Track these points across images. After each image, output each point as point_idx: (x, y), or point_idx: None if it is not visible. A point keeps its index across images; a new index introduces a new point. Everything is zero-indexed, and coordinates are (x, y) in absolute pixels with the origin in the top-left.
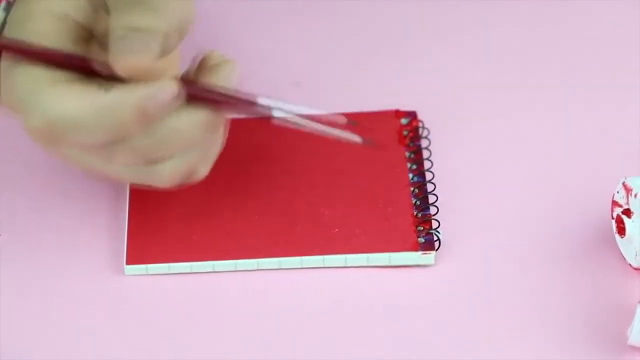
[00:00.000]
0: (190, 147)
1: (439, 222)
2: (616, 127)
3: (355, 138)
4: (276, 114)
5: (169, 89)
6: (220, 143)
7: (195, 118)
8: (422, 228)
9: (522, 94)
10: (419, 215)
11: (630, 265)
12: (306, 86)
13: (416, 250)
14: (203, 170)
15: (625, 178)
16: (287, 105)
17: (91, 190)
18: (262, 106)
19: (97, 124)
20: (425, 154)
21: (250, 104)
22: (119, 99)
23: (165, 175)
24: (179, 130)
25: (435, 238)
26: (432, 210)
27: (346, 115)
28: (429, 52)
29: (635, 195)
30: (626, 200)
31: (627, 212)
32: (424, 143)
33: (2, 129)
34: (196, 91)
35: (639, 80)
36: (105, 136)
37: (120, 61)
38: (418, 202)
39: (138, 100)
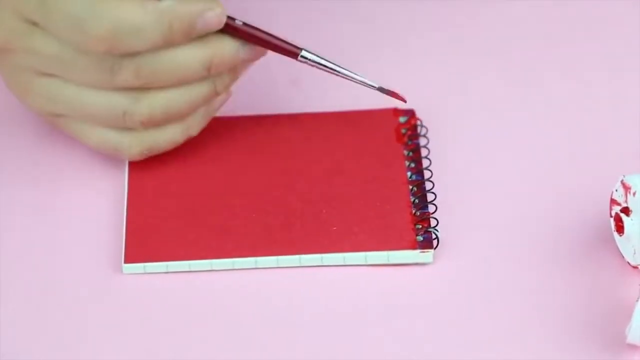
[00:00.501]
0: (185, 81)
1: (437, 221)
2: (615, 126)
3: (372, 83)
4: (304, 54)
5: (218, 11)
6: (204, 113)
7: (206, 52)
8: (420, 226)
9: (520, 93)
10: (418, 213)
11: (628, 263)
12: (304, 84)
13: (414, 248)
14: (180, 130)
15: (624, 176)
16: (322, 60)
17: (90, 188)
18: (292, 47)
19: (154, 28)
20: (423, 152)
21: (285, 48)
22: (173, 7)
23: (145, 106)
24: (187, 60)
25: (434, 236)
26: (431, 208)
27: (345, 113)
28: (428, 51)
29: (634, 194)
30: (625, 199)
31: (626, 211)
32: (422, 141)
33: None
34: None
35: (638, 80)
36: (157, 42)
37: None
38: (416, 201)
39: (189, 14)
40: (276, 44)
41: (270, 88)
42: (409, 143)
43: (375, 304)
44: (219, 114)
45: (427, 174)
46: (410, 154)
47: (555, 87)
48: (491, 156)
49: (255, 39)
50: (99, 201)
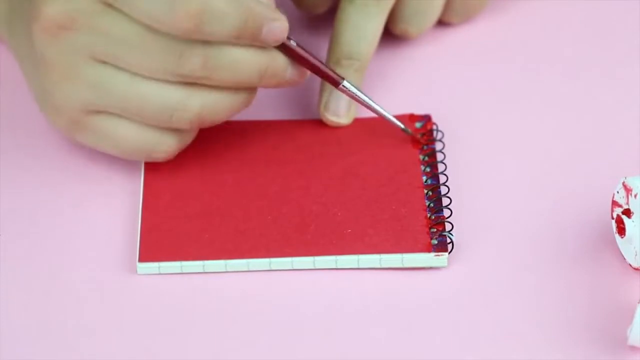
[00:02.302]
0: (238, 84)
1: (452, 225)
2: (617, 128)
3: (399, 124)
4: (345, 84)
5: (284, 24)
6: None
7: (265, 59)
8: (435, 230)
9: (533, 97)
10: (433, 217)
11: (630, 265)
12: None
13: (429, 251)
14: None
15: (625, 178)
16: (359, 92)
17: (105, 188)
18: (335, 75)
19: (234, 18)
20: (439, 156)
21: (329, 75)
22: (251, 5)
23: (197, 102)
24: (248, 62)
25: (449, 240)
26: (446, 212)
27: (362, 119)
28: (444, 56)
29: (635, 196)
30: (626, 201)
31: (627, 212)
32: (438, 146)
33: (16, 126)
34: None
35: (639, 80)
36: (231, 33)
37: None
38: (432, 204)
39: (262, 16)
40: (322, 69)
41: (289, 93)
42: (425, 148)
43: (389, 307)
44: (236, 117)
45: (442, 178)
46: (426, 158)
47: (561, 89)
48: (506, 161)
49: (304, 61)
50: (114, 201)
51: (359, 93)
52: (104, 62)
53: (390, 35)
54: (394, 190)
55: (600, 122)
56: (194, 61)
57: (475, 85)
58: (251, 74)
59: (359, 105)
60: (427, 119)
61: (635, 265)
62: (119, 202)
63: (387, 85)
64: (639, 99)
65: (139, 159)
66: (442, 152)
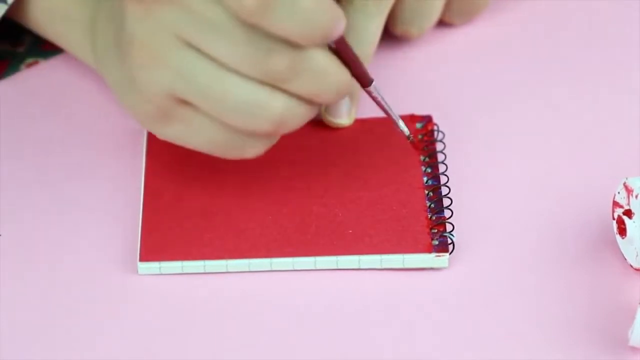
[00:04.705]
0: (318, 98)
1: (453, 225)
2: (618, 128)
3: (406, 131)
4: (372, 89)
5: (343, 23)
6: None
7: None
8: (436, 230)
9: (530, 97)
10: (433, 217)
11: (631, 266)
12: None
13: (430, 252)
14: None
15: (627, 179)
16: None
17: (106, 187)
18: (367, 75)
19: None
20: (440, 157)
21: (363, 69)
22: (321, 4)
23: (281, 102)
24: (332, 73)
25: (449, 241)
26: (446, 213)
27: (363, 119)
28: (446, 56)
29: (636, 196)
30: (627, 201)
31: (628, 213)
32: (439, 146)
33: (17, 126)
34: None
35: (639, 80)
36: (296, 29)
37: None
38: (432, 205)
39: (331, 18)
40: (359, 66)
41: None
42: (425, 148)
43: (389, 307)
44: None
45: (443, 179)
46: (427, 159)
47: (562, 90)
48: (507, 161)
49: (346, 57)
50: (115, 201)
51: (382, 99)
52: (191, 46)
53: (390, 35)
54: (395, 191)
55: (600, 122)
56: (281, 60)
57: (476, 85)
58: (331, 87)
59: (359, 106)
60: (427, 119)
61: (636, 265)
62: (120, 202)
63: (387, 85)
64: (639, 99)
65: (230, 157)
66: (443, 153)
